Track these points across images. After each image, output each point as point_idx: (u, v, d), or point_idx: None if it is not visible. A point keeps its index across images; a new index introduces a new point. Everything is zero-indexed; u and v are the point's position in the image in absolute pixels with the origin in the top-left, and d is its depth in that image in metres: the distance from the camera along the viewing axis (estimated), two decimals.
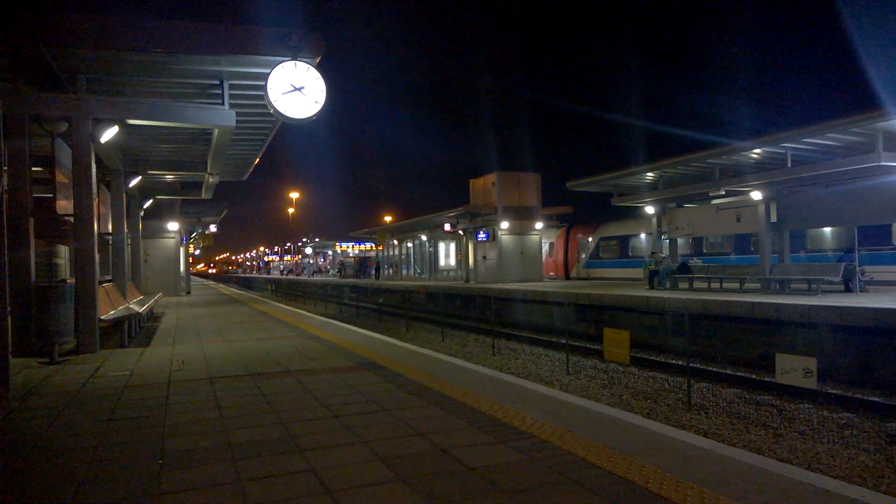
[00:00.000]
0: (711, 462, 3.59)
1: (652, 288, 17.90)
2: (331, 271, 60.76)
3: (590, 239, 30.43)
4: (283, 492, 3.22)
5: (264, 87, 8.73)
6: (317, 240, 79.87)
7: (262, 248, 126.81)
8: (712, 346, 12.65)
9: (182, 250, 27.65)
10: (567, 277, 31.31)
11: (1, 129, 5.89)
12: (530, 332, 17.24)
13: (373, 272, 42.09)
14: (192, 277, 46.82)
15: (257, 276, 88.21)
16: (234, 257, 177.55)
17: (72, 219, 9.21)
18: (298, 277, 62.75)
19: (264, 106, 9.33)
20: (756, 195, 16.01)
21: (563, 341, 12.92)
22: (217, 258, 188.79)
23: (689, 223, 18.92)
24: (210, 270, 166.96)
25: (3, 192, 5.64)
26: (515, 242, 26.94)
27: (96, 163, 9.77)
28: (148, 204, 20.85)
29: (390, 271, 40.68)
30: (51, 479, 3.53)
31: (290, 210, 74.25)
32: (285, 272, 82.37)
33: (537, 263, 27.63)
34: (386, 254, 41.67)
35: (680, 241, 21.58)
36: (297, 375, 6.62)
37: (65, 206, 9.30)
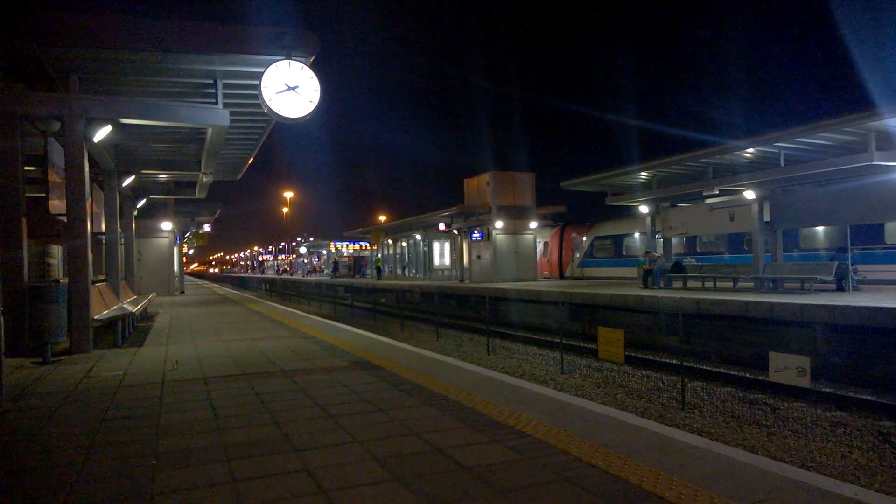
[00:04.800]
0: (705, 460, 3.60)
1: (646, 287, 17.94)
2: (325, 271, 60.61)
3: (584, 238, 30.47)
4: (278, 492, 3.22)
5: (258, 87, 8.72)
6: (311, 239, 79.66)
7: (256, 248, 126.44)
8: (706, 344, 12.69)
9: (176, 250, 27.55)
10: (562, 277, 31.36)
11: None
12: (525, 332, 17.25)
13: (368, 272, 42.00)
14: (187, 277, 46.67)
15: (252, 275, 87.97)
16: (228, 256, 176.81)
17: (65, 218, 9.17)
18: (293, 277, 62.63)
19: (258, 105, 9.31)
20: (749, 194, 16.07)
21: (558, 340, 12.93)
22: (211, 258, 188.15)
23: (682, 222, 18.96)
24: (212, 270, 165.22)
25: None
26: (510, 242, 26.95)
27: (89, 162, 9.72)
28: (141, 203, 20.77)
29: (386, 271, 40.63)
30: (44, 480, 3.51)
31: (285, 209, 74.09)
32: (280, 272, 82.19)
33: (532, 263, 27.65)
34: (381, 253, 41.62)
35: (674, 240, 21.62)
36: (291, 375, 6.61)
37: (58, 205, 9.26)
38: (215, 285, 51.87)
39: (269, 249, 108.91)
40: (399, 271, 39.08)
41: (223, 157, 15.51)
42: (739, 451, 3.92)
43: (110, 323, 9.85)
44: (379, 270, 38.82)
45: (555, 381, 10.95)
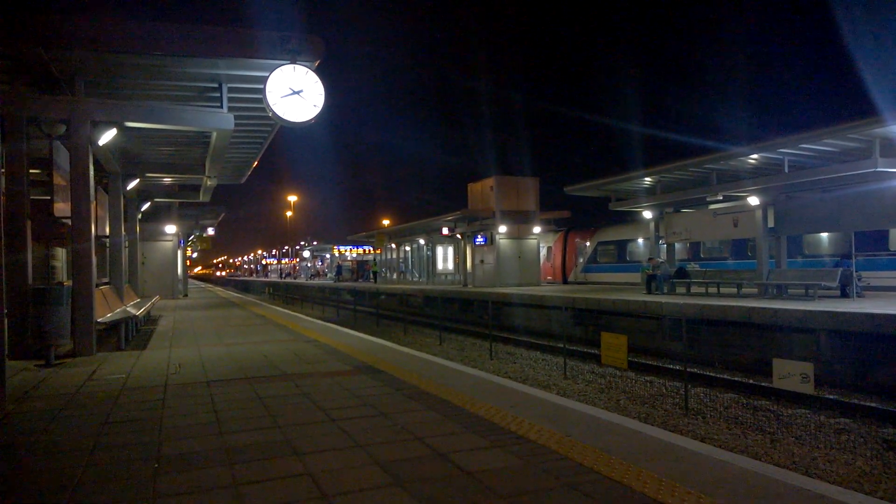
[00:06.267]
0: (708, 467, 3.59)
1: (649, 292, 17.91)
2: (328, 275, 60.62)
3: (587, 243, 30.45)
4: (280, 496, 3.21)
5: (263, 91, 8.73)
6: (315, 243, 79.68)
7: (259, 251, 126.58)
8: (710, 350, 12.66)
9: (179, 253, 27.58)
10: (565, 282, 31.31)
11: None
12: (528, 337, 17.23)
13: (371, 276, 42.13)
14: (191, 281, 46.71)
15: (255, 279, 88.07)
16: (231, 260, 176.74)
17: (69, 221, 9.20)
18: (296, 281, 62.68)
19: (263, 109, 9.33)
20: (753, 200, 16.05)
21: (561, 345, 12.91)
22: (216, 261, 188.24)
23: (686, 228, 18.94)
24: (219, 273, 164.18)
25: (0, 194, 5.64)
26: (513, 246, 26.94)
27: (94, 165, 9.76)
28: (146, 206, 20.84)
29: (387, 274, 40.69)
30: (47, 483, 3.52)
31: (289, 213, 74.20)
32: (284, 276, 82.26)
33: (535, 267, 27.62)
34: (384, 257, 41.66)
35: (677, 245, 21.60)
36: (294, 379, 6.61)
37: (62, 208, 9.29)
38: (219, 289, 51.93)
39: (273, 253, 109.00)
40: (402, 275, 39.08)
41: (227, 161, 15.56)
42: (743, 457, 3.90)
43: (114, 326, 9.86)
44: (375, 275, 39.59)
45: (558, 386, 10.93)
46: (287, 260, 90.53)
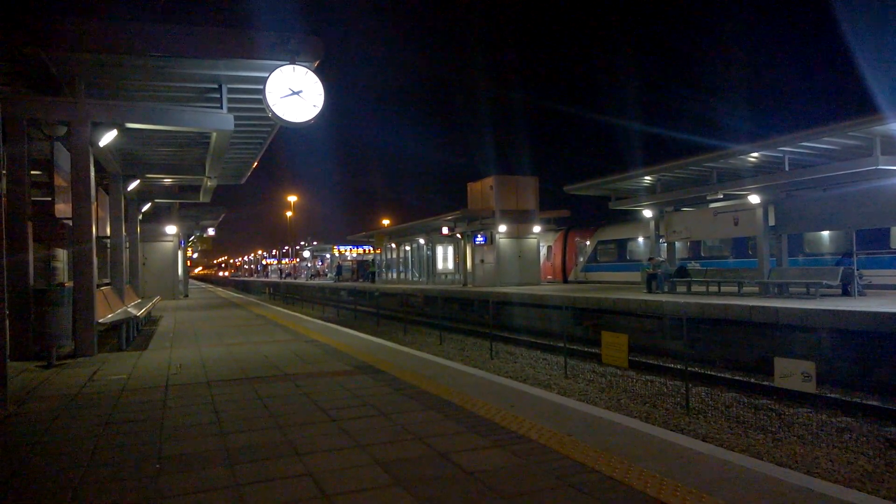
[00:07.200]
0: (710, 466, 3.59)
1: (650, 291, 17.90)
2: (329, 275, 60.63)
3: (587, 242, 30.44)
4: (281, 496, 3.22)
5: (263, 91, 8.73)
6: (315, 243, 79.77)
7: (260, 252, 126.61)
8: (711, 349, 12.65)
9: (180, 253, 27.59)
10: (565, 281, 31.31)
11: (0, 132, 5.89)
12: (528, 336, 17.22)
13: (369, 276, 42.14)
14: (192, 281, 46.76)
15: (255, 279, 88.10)
16: (231, 260, 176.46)
17: (70, 222, 9.20)
18: (296, 281, 62.72)
19: (263, 110, 9.34)
20: (754, 199, 16.03)
21: (561, 345, 12.91)
22: (217, 261, 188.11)
23: (686, 227, 18.92)
24: (221, 273, 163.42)
25: (1, 195, 5.64)
26: (513, 246, 26.93)
27: (95, 166, 9.76)
28: (146, 207, 20.86)
29: (387, 274, 40.69)
30: (48, 483, 3.52)
31: (289, 213, 74.19)
32: (284, 276, 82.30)
33: (535, 267, 27.62)
34: (384, 257, 41.66)
35: (678, 244, 21.59)
36: (294, 379, 6.61)
37: (63, 209, 9.29)
38: (219, 289, 51.96)
39: (273, 253, 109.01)
40: (402, 275, 39.08)
41: (227, 162, 15.56)
42: (744, 456, 3.90)
43: (115, 326, 9.87)
44: (373, 275, 39.67)
45: (558, 385, 10.92)
46: (287, 260, 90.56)
